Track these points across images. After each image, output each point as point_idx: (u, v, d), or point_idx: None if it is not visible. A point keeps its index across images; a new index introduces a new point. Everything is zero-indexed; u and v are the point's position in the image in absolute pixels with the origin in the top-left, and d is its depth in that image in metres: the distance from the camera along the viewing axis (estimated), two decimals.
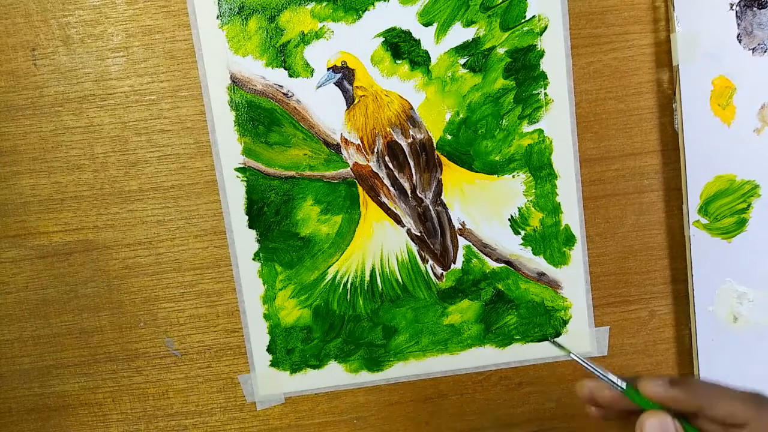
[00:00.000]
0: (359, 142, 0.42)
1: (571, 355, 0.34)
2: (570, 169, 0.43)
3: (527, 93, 0.42)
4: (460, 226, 0.43)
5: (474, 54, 0.42)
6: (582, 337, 0.45)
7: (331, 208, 0.43)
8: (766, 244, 0.43)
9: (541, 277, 0.44)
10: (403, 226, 0.43)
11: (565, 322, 0.44)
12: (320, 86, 0.41)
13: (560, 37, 0.42)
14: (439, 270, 0.44)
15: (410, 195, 0.43)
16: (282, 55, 0.41)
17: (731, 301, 0.43)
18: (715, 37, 0.41)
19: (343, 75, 0.41)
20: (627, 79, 0.43)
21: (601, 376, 0.32)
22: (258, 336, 0.44)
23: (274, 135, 0.42)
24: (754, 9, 0.41)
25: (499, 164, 0.43)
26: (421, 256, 0.43)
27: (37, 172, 0.42)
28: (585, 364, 0.33)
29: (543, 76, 0.42)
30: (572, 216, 0.43)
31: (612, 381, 0.32)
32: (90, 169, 0.42)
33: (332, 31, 0.41)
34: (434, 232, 0.43)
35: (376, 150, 0.42)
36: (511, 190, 0.43)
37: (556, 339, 0.44)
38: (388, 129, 0.42)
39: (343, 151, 0.42)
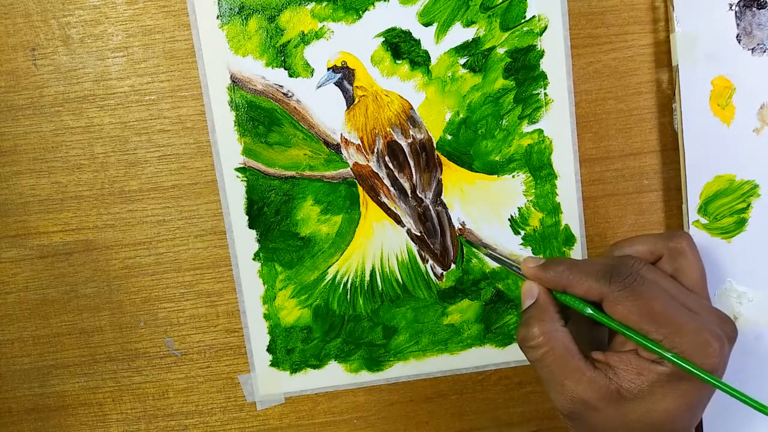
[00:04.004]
0: (359, 142, 0.42)
1: (488, 251, 0.41)
2: (570, 169, 0.43)
3: (527, 93, 0.42)
4: (460, 226, 0.43)
5: (474, 54, 0.42)
6: None
7: (331, 208, 0.43)
8: (766, 244, 0.43)
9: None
10: (403, 226, 0.43)
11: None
12: (320, 86, 0.41)
13: (560, 37, 0.42)
14: (439, 270, 0.44)
15: (410, 195, 0.43)
16: (282, 55, 0.41)
17: (731, 301, 0.43)
18: (715, 38, 0.41)
19: (343, 75, 0.41)
20: (627, 79, 0.43)
21: (509, 264, 0.38)
22: (258, 336, 0.44)
23: (274, 135, 0.42)
24: (754, 9, 0.41)
25: (499, 164, 0.43)
26: (421, 256, 0.43)
27: (37, 172, 0.42)
28: (499, 257, 0.40)
29: (543, 76, 0.42)
30: (572, 216, 0.43)
31: (516, 267, 0.37)
32: (90, 169, 0.42)
33: (332, 31, 0.41)
34: (434, 232, 0.43)
35: (376, 150, 0.42)
36: (511, 190, 0.43)
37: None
38: (388, 129, 0.42)
39: (343, 151, 0.42)
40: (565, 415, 0.34)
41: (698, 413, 0.34)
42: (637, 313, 0.32)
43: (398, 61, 0.41)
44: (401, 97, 0.42)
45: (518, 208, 0.43)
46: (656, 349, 0.31)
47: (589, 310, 0.33)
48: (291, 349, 0.44)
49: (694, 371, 0.30)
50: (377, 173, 0.42)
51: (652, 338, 0.31)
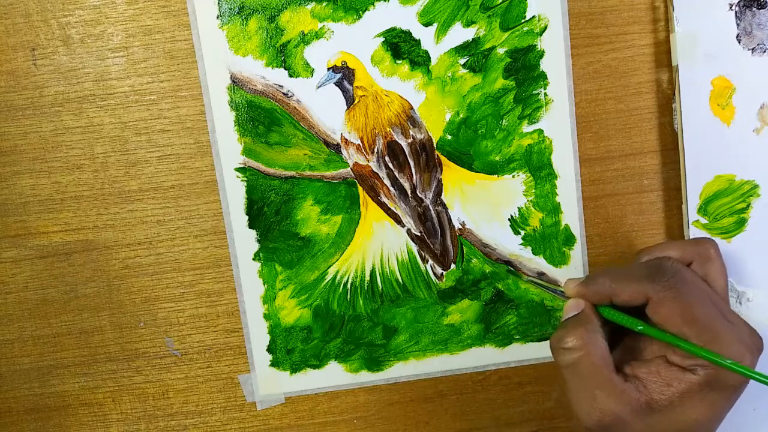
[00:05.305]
0: (359, 142, 0.42)
1: (528, 278, 0.42)
2: (570, 169, 0.43)
3: (527, 93, 0.42)
4: (460, 226, 0.43)
5: (474, 54, 0.42)
6: None
7: (331, 208, 0.43)
8: (766, 244, 0.43)
9: (541, 276, 0.44)
10: (403, 226, 0.43)
11: None
12: (320, 86, 0.41)
13: (560, 37, 0.42)
14: (439, 270, 0.44)
15: (410, 195, 0.43)
16: (282, 55, 0.41)
17: (731, 301, 0.43)
18: (715, 37, 0.41)
19: (343, 75, 0.41)
20: (627, 79, 0.43)
21: (551, 290, 0.39)
22: (258, 336, 0.44)
23: (274, 135, 0.42)
24: (754, 9, 0.41)
25: (499, 164, 0.43)
26: (421, 256, 0.43)
27: (37, 172, 0.42)
28: (541, 283, 0.40)
29: (543, 76, 0.42)
30: (572, 216, 0.43)
31: (559, 291, 0.38)
32: (90, 169, 0.42)
33: (332, 31, 0.41)
34: (434, 232, 0.43)
35: (376, 150, 0.42)
36: (511, 190, 0.43)
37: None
38: (388, 129, 0.42)
39: (343, 151, 0.42)
40: (589, 427, 0.33)
41: (721, 420, 0.33)
42: (680, 315, 0.31)
43: (398, 61, 0.41)
44: (401, 97, 0.42)
45: (518, 208, 0.43)
46: (696, 350, 0.30)
47: (640, 327, 0.32)
48: (291, 349, 0.44)
49: (749, 374, 0.30)
50: (377, 173, 0.42)
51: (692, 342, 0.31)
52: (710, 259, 0.35)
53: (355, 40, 0.41)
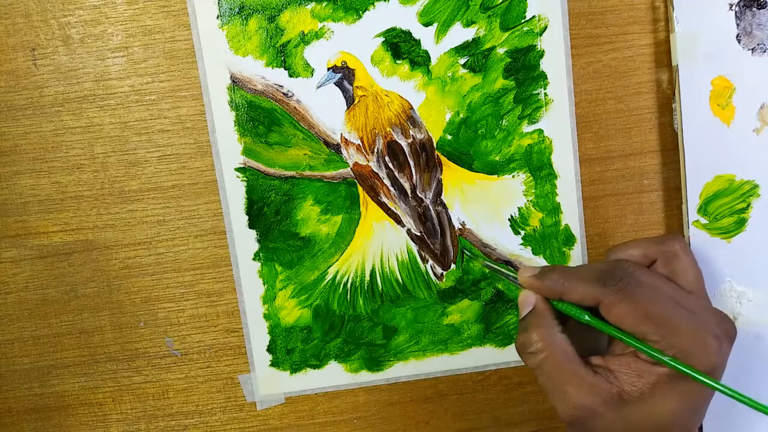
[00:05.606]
0: (359, 142, 0.42)
1: (485, 262, 0.42)
2: (570, 169, 0.43)
3: (527, 93, 0.42)
4: (460, 226, 0.43)
5: (474, 54, 0.42)
6: None
7: (331, 208, 0.43)
8: (766, 244, 0.43)
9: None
10: (403, 226, 0.43)
11: None
12: (320, 86, 0.41)
13: (560, 37, 0.42)
14: (439, 270, 0.44)
15: (410, 195, 0.43)
16: (282, 55, 0.41)
17: (731, 301, 0.43)
18: (715, 37, 0.41)
19: (343, 75, 0.41)
20: (627, 79, 0.43)
21: (505, 275, 0.39)
22: (258, 336, 0.44)
23: (274, 135, 0.42)
24: (754, 9, 0.41)
25: (499, 164, 0.43)
26: (421, 256, 0.43)
27: (37, 172, 0.42)
28: (494, 267, 0.40)
29: (543, 76, 0.42)
30: (572, 216, 0.43)
31: (513, 277, 0.37)
32: (90, 169, 0.42)
33: (332, 31, 0.41)
34: (434, 232, 0.43)
35: (376, 150, 0.42)
36: (511, 190, 0.43)
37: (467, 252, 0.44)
38: (388, 129, 0.42)
39: (343, 151, 0.42)
40: (566, 422, 0.34)
41: (700, 414, 0.34)
42: (633, 315, 0.31)
43: (398, 61, 0.41)
44: (401, 97, 0.42)
45: (518, 208, 0.43)
46: (652, 353, 0.31)
47: (587, 317, 0.33)
48: (291, 349, 0.44)
49: (691, 373, 0.30)
50: (377, 173, 0.42)
51: (649, 339, 0.31)
52: (675, 256, 0.35)
53: (355, 40, 0.41)
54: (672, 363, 0.30)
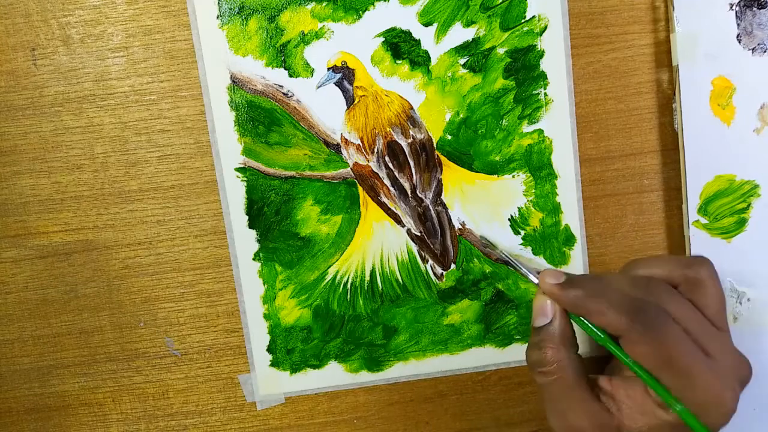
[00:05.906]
0: (359, 142, 0.42)
1: (502, 253, 0.40)
2: (570, 169, 0.43)
3: (527, 93, 0.42)
4: (460, 226, 0.43)
5: (474, 54, 0.42)
6: (582, 336, 0.44)
7: (331, 208, 0.43)
8: (766, 244, 0.43)
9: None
10: (403, 226, 0.43)
11: None
12: (320, 86, 0.41)
13: (560, 37, 0.42)
14: (439, 270, 0.44)
15: (410, 195, 0.43)
16: (282, 55, 0.41)
17: (731, 302, 0.43)
18: (715, 37, 0.41)
19: (343, 75, 0.41)
20: (627, 79, 0.43)
21: (524, 273, 0.37)
22: (258, 336, 0.44)
23: (274, 135, 0.42)
24: (754, 9, 0.41)
25: (499, 164, 0.43)
26: (421, 256, 0.43)
27: (37, 172, 0.42)
28: (512, 262, 0.39)
29: (543, 76, 0.42)
30: (572, 216, 0.43)
31: (533, 274, 0.36)
32: (90, 169, 0.42)
33: (332, 31, 0.41)
34: (434, 232, 0.43)
35: (376, 150, 0.42)
36: (511, 190, 0.43)
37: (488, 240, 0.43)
38: (388, 129, 0.42)
39: (343, 151, 0.42)
40: None
41: None
42: (655, 357, 0.30)
43: (398, 61, 0.41)
44: (401, 97, 0.42)
45: (518, 208, 0.43)
46: (665, 397, 0.30)
47: (604, 337, 0.32)
48: (291, 349, 0.44)
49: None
50: (377, 173, 0.42)
51: (664, 384, 0.30)
52: (699, 284, 0.34)
53: (355, 40, 0.41)
54: (683, 415, 0.29)
